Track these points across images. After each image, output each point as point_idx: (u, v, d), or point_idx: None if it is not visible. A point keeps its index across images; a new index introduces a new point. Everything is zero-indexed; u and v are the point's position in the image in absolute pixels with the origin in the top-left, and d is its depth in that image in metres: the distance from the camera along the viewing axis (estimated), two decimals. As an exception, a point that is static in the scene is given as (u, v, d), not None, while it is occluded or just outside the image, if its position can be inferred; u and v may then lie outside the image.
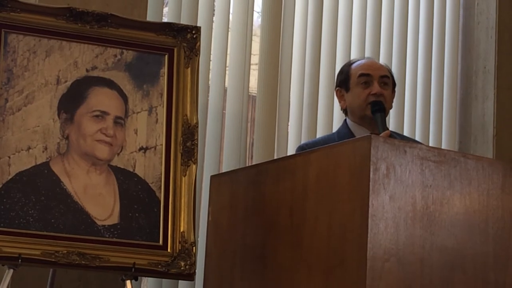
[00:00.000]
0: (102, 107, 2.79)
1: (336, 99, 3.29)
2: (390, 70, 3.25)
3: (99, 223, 2.67)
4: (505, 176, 2.50)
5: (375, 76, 3.12)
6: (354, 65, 3.20)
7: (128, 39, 2.88)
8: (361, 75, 3.13)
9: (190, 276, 2.73)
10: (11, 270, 2.55)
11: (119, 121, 2.80)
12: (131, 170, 2.77)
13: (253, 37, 3.77)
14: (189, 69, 2.91)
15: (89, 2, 3.13)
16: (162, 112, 2.85)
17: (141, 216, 2.73)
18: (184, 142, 2.84)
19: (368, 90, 3.10)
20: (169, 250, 2.71)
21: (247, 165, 3.74)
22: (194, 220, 2.77)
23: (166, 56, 2.91)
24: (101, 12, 2.85)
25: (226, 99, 3.67)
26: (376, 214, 2.25)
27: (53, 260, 2.56)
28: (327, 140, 3.08)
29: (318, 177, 2.46)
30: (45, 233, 2.60)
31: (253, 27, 3.80)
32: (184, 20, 3.51)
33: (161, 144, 2.82)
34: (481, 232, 2.43)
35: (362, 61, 3.23)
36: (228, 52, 3.71)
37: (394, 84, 3.20)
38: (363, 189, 2.27)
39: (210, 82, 3.64)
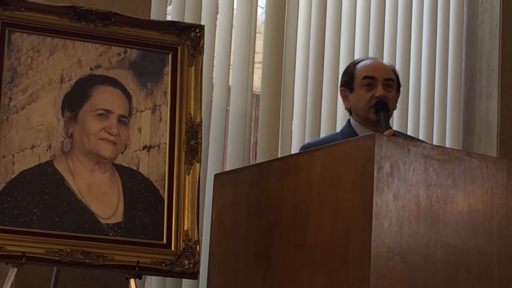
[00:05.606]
0: (106, 106, 2.79)
1: (340, 98, 3.28)
2: (395, 70, 3.22)
3: (103, 221, 2.67)
4: (509, 174, 2.49)
5: (379, 79, 3.10)
6: (358, 66, 3.16)
7: (132, 38, 2.88)
8: (365, 77, 3.10)
9: (194, 275, 2.73)
10: (15, 269, 2.55)
11: (123, 120, 2.80)
12: (135, 168, 2.77)
13: (257, 35, 3.77)
14: (192, 67, 2.91)
15: (93, 1, 3.12)
16: (166, 110, 2.85)
17: (145, 215, 2.73)
18: (188, 140, 2.84)
19: (371, 93, 3.08)
20: (173, 248, 2.71)
21: (250, 163, 3.74)
22: (198, 219, 2.77)
23: (170, 55, 2.91)
24: (105, 11, 2.86)
25: (230, 97, 3.67)
26: (380, 212, 2.25)
27: (57, 258, 2.57)
28: (331, 140, 3.07)
29: (322, 175, 2.46)
30: (49, 231, 2.60)
31: (257, 23, 3.79)
32: (187, 19, 3.51)
33: (165, 143, 2.82)
34: (485, 231, 2.42)
35: (367, 62, 3.19)
36: (232, 50, 3.70)
37: (398, 85, 3.18)
38: (367, 187, 2.26)
39: (213, 81, 3.64)
